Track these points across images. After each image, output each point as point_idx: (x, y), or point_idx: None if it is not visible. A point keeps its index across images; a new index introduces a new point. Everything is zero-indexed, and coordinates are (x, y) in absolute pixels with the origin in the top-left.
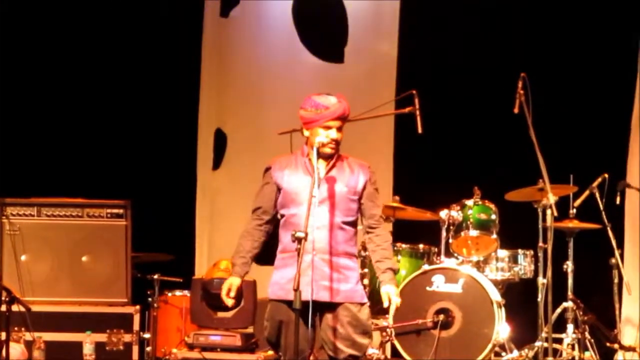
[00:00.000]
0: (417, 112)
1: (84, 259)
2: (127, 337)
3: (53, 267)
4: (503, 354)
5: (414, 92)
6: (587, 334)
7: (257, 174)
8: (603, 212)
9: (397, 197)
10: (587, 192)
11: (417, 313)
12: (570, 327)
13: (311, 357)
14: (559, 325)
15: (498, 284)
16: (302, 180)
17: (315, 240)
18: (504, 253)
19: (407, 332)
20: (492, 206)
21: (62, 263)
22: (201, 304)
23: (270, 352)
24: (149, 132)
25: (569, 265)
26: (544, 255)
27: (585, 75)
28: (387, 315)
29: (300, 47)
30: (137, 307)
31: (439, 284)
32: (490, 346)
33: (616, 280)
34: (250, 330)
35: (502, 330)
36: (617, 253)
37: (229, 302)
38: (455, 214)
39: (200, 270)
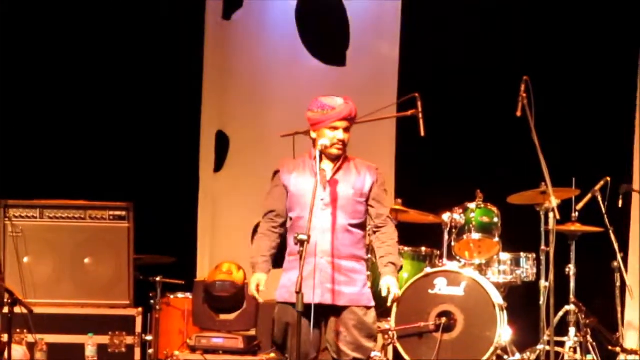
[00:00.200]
0: (420, 115)
1: (86, 261)
2: (129, 339)
3: (55, 269)
4: (505, 357)
5: (417, 95)
6: (589, 337)
7: (259, 176)
8: (605, 216)
9: (399, 200)
10: (589, 196)
11: (419, 316)
12: (572, 330)
13: None
14: (561, 329)
15: (500, 287)
16: (309, 182)
17: (322, 243)
18: (506, 256)
19: (409, 335)
20: (495, 209)
21: (64, 265)
22: (203, 306)
23: (273, 355)
24: (151, 135)
25: (571, 269)
26: (546, 259)
27: (587, 78)
28: (389, 318)
29: (302, 50)
30: (140, 309)
31: (441, 286)
32: (492, 349)
33: (618, 284)
34: (252, 332)
35: (504, 333)
36: (619, 256)
37: (260, 298)
38: (458, 217)
39: (203, 272)
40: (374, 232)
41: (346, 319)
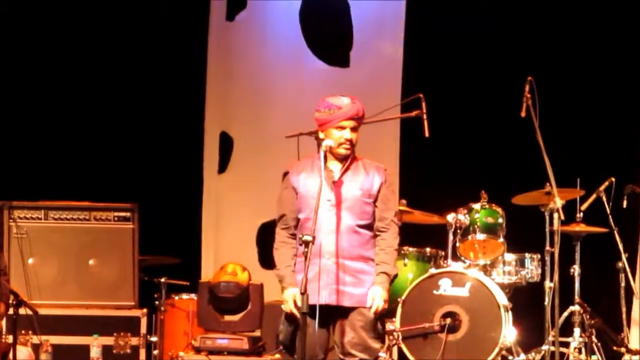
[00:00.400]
0: (424, 116)
1: (91, 262)
2: (134, 341)
3: (60, 270)
4: (510, 357)
5: (421, 95)
6: (593, 338)
7: (263, 177)
8: (610, 216)
9: (404, 201)
10: (594, 196)
11: (424, 316)
12: (577, 330)
13: None
14: (566, 329)
15: (505, 288)
16: (316, 183)
17: (330, 243)
18: (511, 257)
19: (413, 336)
20: (499, 210)
21: (69, 266)
22: (208, 307)
23: (277, 356)
24: (155, 136)
25: (575, 269)
26: (551, 259)
27: (592, 78)
28: (394, 319)
29: (306, 51)
30: (144, 310)
31: (445, 287)
32: (497, 350)
33: (623, 284)
34: (257, 333)
35: (509, 333)
36: (624, 257)
37: (297, 312)
38: (462, 217)
39: (207, 273)
40: (376, 235)
41: (353, 319)
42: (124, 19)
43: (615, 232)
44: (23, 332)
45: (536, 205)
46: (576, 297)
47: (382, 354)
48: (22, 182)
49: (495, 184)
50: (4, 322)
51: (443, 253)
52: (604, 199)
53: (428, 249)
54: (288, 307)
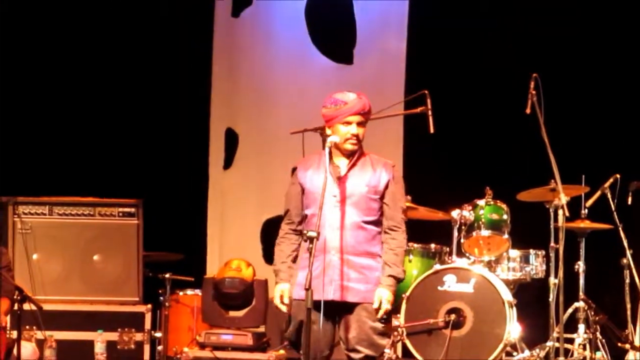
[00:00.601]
0: (429, 112)
1: (95, 257)
2: (139, 336)
3: (64, 266)
4: (514, 353)
5: (426, 92)
6: (598, 334)
7: (269, 173)
8: (615, 213)
9: (408, 197)
10: (598, 193)
11: (428, 313)
12: (581, 327)
13: None
14: (570, 325)
15: (509, 284)
16: (323, 179)
17: (335, 239)
18: (515, 253)
19: (418, 332)
20: (504, 206)
21: (73, 262)
22: (213, 303)
23: (282, 351)
24: (161, 132)
25: (580, 266)
26: (556, 256)
27: (596, 74)
28: (398, 315)
29: (311, 47)
30: (149, 306)
31: (450, 283)
32: (501, 346)
33: (627, 281)
34: (261, 329)
35: (513, 330)
36: (628, 253)
37: (284, 308)
38: (467, 213)
39: (212, 269)
40: (385, 233)
41: (359, 315)
42: (130, 15)
43: (620, 228)
44: (27, 327)
45: (541, 201)
46: (581, 293)
47: (386, 350)
48: (26, 178)
49: (500, 181)
50: (8, 317)
51: (448, 249)
52: (609, 195)
53: (433, 245)
54: (275, 301)
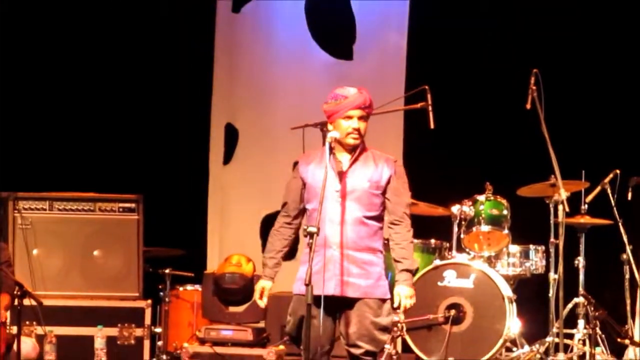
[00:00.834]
0: (430, 108)
1: (95, 253)
2: (139, 332)
3: (65, 261)
4: (514, 349)
5: (427, 87)
6: (598, 330)
7: (269, 168)
8: (614, 208)
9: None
10: (598, 188)
11: (428, 308)
12: (581, 322)
13: None
14: (570, 321)
15: (509, 280)
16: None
17: (337, 234)
18: (515, 248)
19: (418, 327)
20: (504, 202)
21: (73, 257)
22: (213, 298)
23: (282, 347)
24: (161, 127)
25: (580, 261)
26: (556, 251)
27: (596, 70)
28: (398, 311)
29: (311, 42)
30: (149, 301)
31: (450, 279)
32: (501, 341)
33: (627, 276)
34: (261, 324)
35: (513, 325)
36: (628, 249)
37: (262, 304)
38: (467, 209)
39: (212, 264)
40: (390, 227)
41: (359, 310)
42: (131, 11)
43: (620, 224)
44: (27, 323)
45: (541, 197)
46: (580, 289)
47: (386, 346)
48: (27, 173)
49: (500, 176)
50: (8, 313)
51: (447, 245)
52: (609, 191)
53: (433, 241)
54: (255, 296)
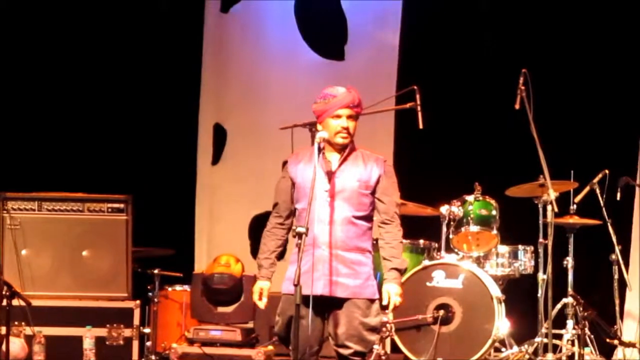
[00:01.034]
0: (419, 108)
1: (84, 253)
2: (127, 332)
3: (54, 262)
4: (503, 349)
5: (416, 87)
6: (587, 330)
7: (257, 168)
8: (603, 208)
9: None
10: (587, 188)
11: (417, 308)
12: (570, 323)
13: None
14: (559, 321)
15: (498, 280)
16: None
17: (326, 234)
18: (504, 249)
19: (407, 328)
20: (493, 202)
21: (62, 257)
22: (201, 298)
23: (271, 347)
24: (150, 127)
25: (569, 261)
26: (545, 251)
27: (585, 70)
28: (387, 311)
29: (301, 43)
30: (138, 301)
31: (439, 279)
32: (490, 342)
33: (616, 276)
34: (250, 325)
35: (502, 325)
36: (617, 249)
37: (262, 305)
38: (456, 209)
39: (201, 265)
40: (380, 227)
41: (348, 311)
42: (119, 11)
43: (609, 224)
44: (16, 323)
45: (530, 197)
46: (569, 289)
47: (375, 346)
48: (15, 173)
49: (489, 176)
50: None
51: (436, 245)
52: (598, 191)
53: (421, 241)
54: (254, 298)
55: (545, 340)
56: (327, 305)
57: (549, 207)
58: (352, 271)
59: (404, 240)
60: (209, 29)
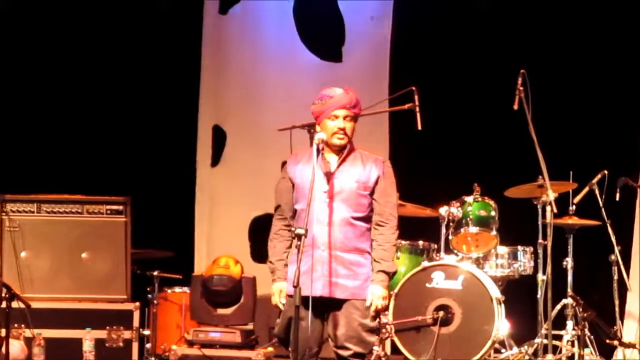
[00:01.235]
0: (417, 109)
1: (83, 255)
2: (127, 334)
3: (53, 264)
4: (503, 350)
5: (414, 88)
6: (586, 331)
7: (256, 170)
8: (603, 209)
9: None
10: (586, 189)
11: (416, 310)
12: (570, 323)
13: None
14: (559, 322)
15: (498, 281)
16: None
17: (325, 235)
18: (503, 250)
19: (406, 329)
20: (492, 203)
21: (61, 259)
22: (201, 300)
23: (270, 349)
24: (149, 129)
25: (568, 262)
26: (544, 252)
27: (584, 71)
28: (386, 312)
29: (299, 45)
30: (137, 303)
31: (438, 280)
32: (489, 343)
33: (616, 277)
34: (250, 326)
35: (501, 326)
36: (616, 249)
37: (282, 306)
38: (455, 210)
39: (200, 266)
40: (375, 228)
41: (348, 312)
42: (118, 12)
43: (608, 224)
44: (16, 325)
45: (529, 198)
46: (569, 290)
47: (375, 348)
48: (14, 175)
49: (488, 177)
50: None
51: (436, 246)
52: (597, 191)
53: (421, 242)
54: (274, 300)
55: (545, 341)
56: (326, 307)
57: (548, 208)
58: (351, 272)
59: (403, 242)
60: (208, 30)
